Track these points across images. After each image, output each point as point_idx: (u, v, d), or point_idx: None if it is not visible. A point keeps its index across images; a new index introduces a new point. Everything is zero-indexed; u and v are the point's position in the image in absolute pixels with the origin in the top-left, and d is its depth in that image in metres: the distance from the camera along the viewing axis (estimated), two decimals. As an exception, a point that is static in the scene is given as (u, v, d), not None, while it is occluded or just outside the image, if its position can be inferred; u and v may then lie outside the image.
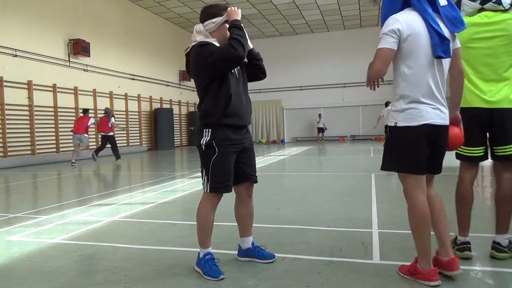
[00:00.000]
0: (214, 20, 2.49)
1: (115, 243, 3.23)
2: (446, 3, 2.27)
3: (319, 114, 22.94)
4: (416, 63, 2.21)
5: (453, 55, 2.30)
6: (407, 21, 2.21)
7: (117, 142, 16.19)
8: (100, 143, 12.38)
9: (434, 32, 2.18)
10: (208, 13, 2.52)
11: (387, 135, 2.36)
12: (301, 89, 24.25)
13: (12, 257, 2.95)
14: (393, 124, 2.29)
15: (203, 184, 2.50)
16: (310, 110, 23.93)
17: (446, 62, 2.29)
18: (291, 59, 23.79)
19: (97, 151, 11.69)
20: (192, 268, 2.58)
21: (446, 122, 2.29)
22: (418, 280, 2.23)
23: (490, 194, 5.22)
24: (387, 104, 12.18)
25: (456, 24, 2.26)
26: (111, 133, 11.73)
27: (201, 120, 2.49)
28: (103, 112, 12.79)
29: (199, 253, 2.54)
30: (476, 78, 2.59)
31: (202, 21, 2.52)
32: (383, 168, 2.38)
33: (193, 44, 2.50)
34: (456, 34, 2.31)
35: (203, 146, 2.46)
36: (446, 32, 2.23)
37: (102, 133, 11.75)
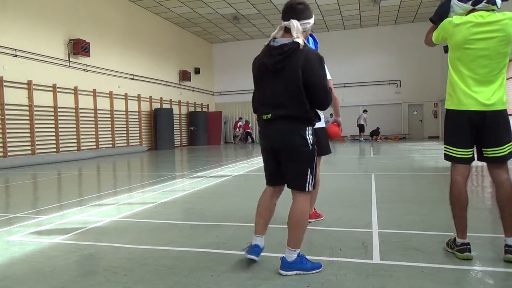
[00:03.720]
0: (310, 21, 2.47)
1: (115, 243, 3.23)
2: None
3: (331, 114, 23.06)
4: None
5: None
6: None
7: (116, 142, 16.25)
8: None
9: None
10: (305, 12, 2.46)
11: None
12: (301, 89, 24.21)
13: (12, 257, 2.95)
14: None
15: (306, 184, 2.44)
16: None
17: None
18: (291, 59, 23.76)
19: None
20: (193, 268, 2.58)
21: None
22: None
23: (490, 194, 5.22)
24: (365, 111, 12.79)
25: None
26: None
27: (303, 120, 2.43)
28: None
29: (284, 257, 2.45)
30: (472, 80, 2.56)
31: (299, 18, 2.43)
32: None
33: (295, 40, 2.37)
34: None
35: (310, 146, 2.44)
36: None
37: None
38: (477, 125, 2.57)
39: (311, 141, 2.44)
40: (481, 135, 2.60)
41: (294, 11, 2.45)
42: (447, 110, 2.70)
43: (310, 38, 3.74)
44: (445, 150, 2.74)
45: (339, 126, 3.78)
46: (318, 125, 3.58)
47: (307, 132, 2.43)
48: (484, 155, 2.63)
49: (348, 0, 18.41)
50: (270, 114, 2.45)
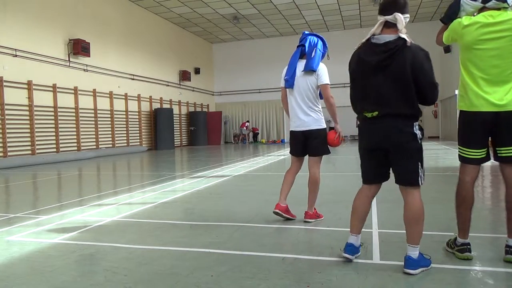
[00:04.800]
0: (409, 16, 2.45)
1: (115, 243, 3.23)
2: None
3: None
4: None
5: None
6: None
7: (116, 142, 16.24)
8: None
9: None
10: (407, 6, 2.43)
11: None
12: (301, 89, 24.26)
13: (12, 257, 2.95)
14: None
15: (419, 178, 2.42)
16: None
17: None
18: (291, 59, 23.78)
19: None
20: (193, 268, 2.58)
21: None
22: None
23: (490, 194, 5.22)
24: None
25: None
26: None
27: (411, 116, 2.43)
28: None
29: (409, 255, 2.41)
30: (483, 81, 2.53)
31: (402, 11, 2.40)
32: None
33: (401, 36, 2.36)
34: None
35: (419, 140, 2.45)
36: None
37: None
38: (490, 125, 2.54)
39: (419, 135, 2.45)
40: (495, 135, 2.58)
41: (397, 5, 2.42)
42: (460, 111, 2.68)
43: (320, 41, 3.78)
44: (458, 151, 2.73)
45: (337, 133, 3.79)
46: (317, 126, 3.63)
47: (414, 128, 2.43)
48: (498, 154, 2.60)
49: (348, 0, 18.42)
50: (377, 112, 2.43)
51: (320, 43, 3.78)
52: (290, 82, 3.71)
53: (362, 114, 2.54)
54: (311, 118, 3.70)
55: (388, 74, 2.39)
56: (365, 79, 2.50)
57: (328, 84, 3.66)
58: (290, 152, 3.91)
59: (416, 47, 2.39)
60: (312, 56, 3.65)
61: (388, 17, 2.41)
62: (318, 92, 3.72)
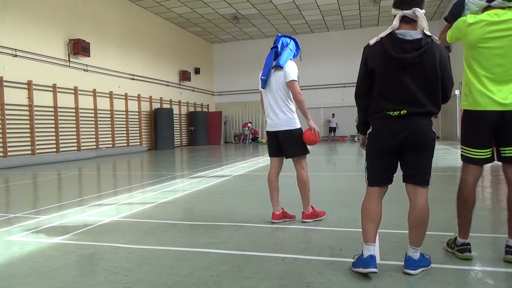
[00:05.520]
0: (424, 11, 2.36)
1: (115, 243, 3.23)
2: None
3: (333, 114, 23.15)
4: None
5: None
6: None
7: (116, 142, 16.24)
8: None
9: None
10: (423, 0, 2.36)
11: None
12: (302, 89, 24.17)
13: (12, 257, 2.95)
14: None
15: (429, 178, 2.41)
16: (310, 110, 23.76)
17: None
18: (291, 59, 23.77)
19: None
20: (193, 268, 2.58)
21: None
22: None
23: (490, 194, 5.22)
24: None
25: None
26: None
27: (432, 115, 2.40)
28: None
29: (410, 256, 2.39)
30: (488, 80, 2.51)
31: (420, 7, 2.32)
32: None
33: (427, 33, 2.31)
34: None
35: (435, 140, 2.44)
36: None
37: None
38: (494, 125, 2.52)
39: (436, 134, 2.46)
40: (499, 134, 2.55)
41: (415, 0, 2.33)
42: (464, 110, 2.66)
43: (292, 42, 3.79)
44: (461, 151, 2.71)
45: (312, 130, 3.69)
46: (288, 126, 3.65)
47: (433, 126, 2.42)
48: (502, 154, 2.58)
49: (348, 0, 18.41)
50: (406, 111, 2.33)
51: (292, 43, 3.78)
52: (265, 81, 3.72)
53: (383, 112, 2.39)
54: (283, 119, 3.66)
55: (418, 72, 2.32)
56: (391, 75, 2.37)
57: (295, 80, 3.61)
58: (269, 154, 3.90)
59: (440, 46, 2.37)
60: (281, 53, 3.68)
61: (407, 12, 2.31)
62: (289, 91, 3.67)
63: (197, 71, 23.54)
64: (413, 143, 2.37)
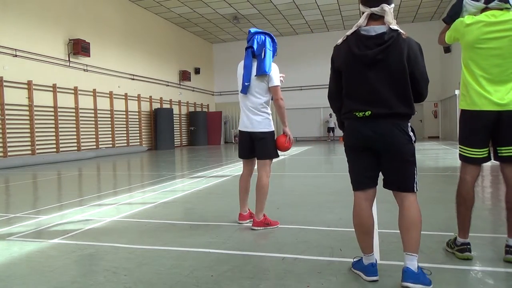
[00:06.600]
0: (393, 5, 2.26)
1: (115, 243, 3.23)
2: None
3: (330, 114, 23.14)
4: None
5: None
6: None
7: (116, 142, 16.25)
8: None
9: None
10: None
11: None
12: (301, 89, 24.25)
13: (12, 257, 2.95)
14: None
15: (414, 183, 2.26)
16: (310, 110, 23.93)
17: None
18: (291, 59, 23.78)
19: None
20: (193, 268, 2.58)
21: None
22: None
23: (490, 194, 5.22)
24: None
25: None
26: None
27: (405, 116, 2.24)
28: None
29: (408, 267, 2.18)
30: (485, 80, 2.52)
31: (388, 2, 2.21)
32: None
33: (393, 27, 2.18)
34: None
35: (413, 143, 2.26)
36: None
37: None
38: (491, 125, 2.54)
39: (413, 137, 2.25)
40: (496, 134, 2.57)
41: None
42: (462, 110, 2.68)
43: (268, 38, 3.63)
44: (459, 150, 2.73)
45: (287, 137, 3.69)
46: (263, 128, 3.58)
47: (409, 129, 2.23)
48: (499, 154, 2.60)
49: (348, 0, 18.42)
50: (370, 111, 2.20)
51: (268, 40, 3.59)
52: (247, 87, 3.59)
53: (351, 113, 2.29)
54: (258, 120, 3.59)
55: (383, 69, 2.18)
56: (355, 74, 2.26)
57: (278, 86, 3.56)
58: (239, 155, 3.81)
59: (410, 39, 2.21)
60: (263, 57, 3.50)
61: (375, 9, 2.20)
62: (270, 95, 3.61)
63: (197, 71, 23.55)
64: (384, 148, 2.24)
